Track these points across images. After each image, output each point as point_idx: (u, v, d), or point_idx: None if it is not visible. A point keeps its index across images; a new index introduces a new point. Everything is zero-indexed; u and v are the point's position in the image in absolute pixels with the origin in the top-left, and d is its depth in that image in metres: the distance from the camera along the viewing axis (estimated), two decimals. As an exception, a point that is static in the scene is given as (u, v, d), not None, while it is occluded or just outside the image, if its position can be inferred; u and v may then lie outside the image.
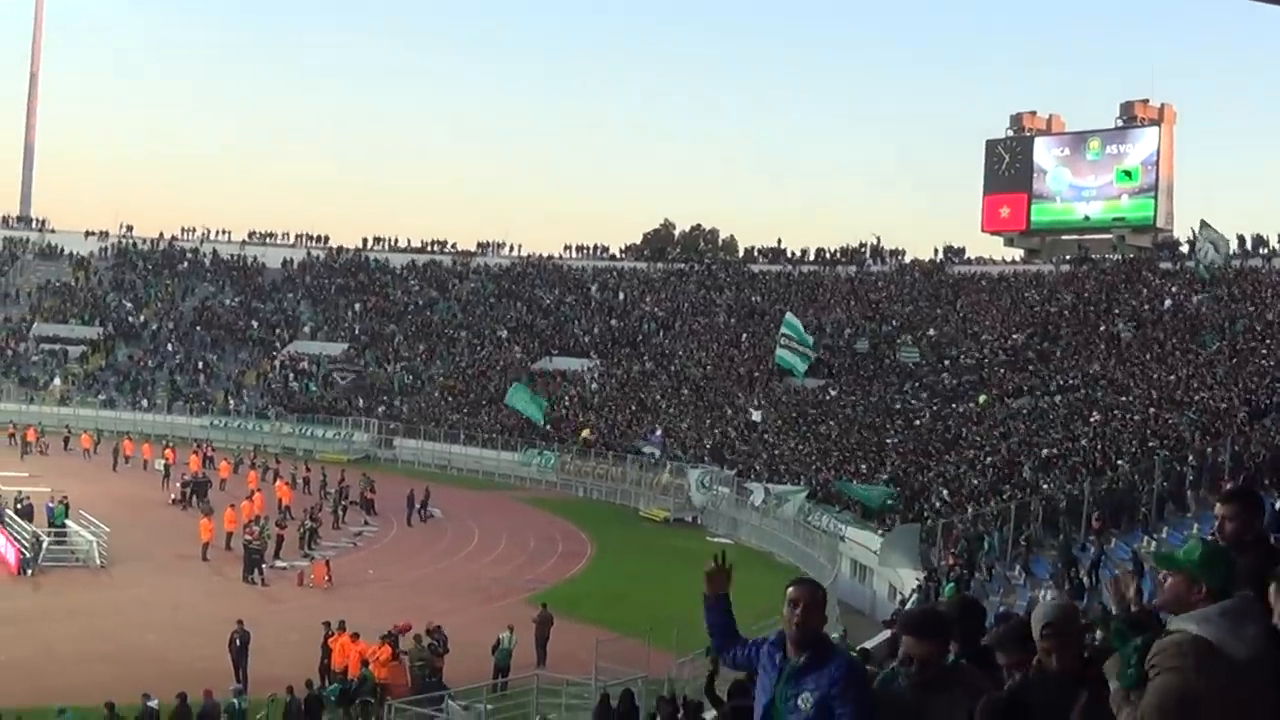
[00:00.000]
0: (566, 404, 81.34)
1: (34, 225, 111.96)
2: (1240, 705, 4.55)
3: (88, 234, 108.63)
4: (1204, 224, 68.63)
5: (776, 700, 6.41)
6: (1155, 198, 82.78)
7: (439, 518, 60.14)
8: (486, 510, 63.18)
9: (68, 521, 48.32)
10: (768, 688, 6.53)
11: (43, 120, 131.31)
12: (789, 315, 78.00)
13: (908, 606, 35.00)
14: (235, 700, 28.02)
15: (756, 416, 72.54)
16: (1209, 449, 40.80)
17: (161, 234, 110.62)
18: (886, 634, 31.41)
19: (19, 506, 49.71)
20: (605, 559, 53.23)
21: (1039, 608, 6.03)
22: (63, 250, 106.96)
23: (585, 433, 75.83)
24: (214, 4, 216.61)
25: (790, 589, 6.55)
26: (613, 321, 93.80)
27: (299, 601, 40.78)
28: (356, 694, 30.02)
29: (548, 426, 76.77)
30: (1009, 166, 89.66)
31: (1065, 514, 40.42)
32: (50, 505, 49.02)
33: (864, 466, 58.34)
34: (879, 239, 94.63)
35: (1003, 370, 67.84)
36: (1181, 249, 76.18)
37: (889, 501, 51.55)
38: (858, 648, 17.99)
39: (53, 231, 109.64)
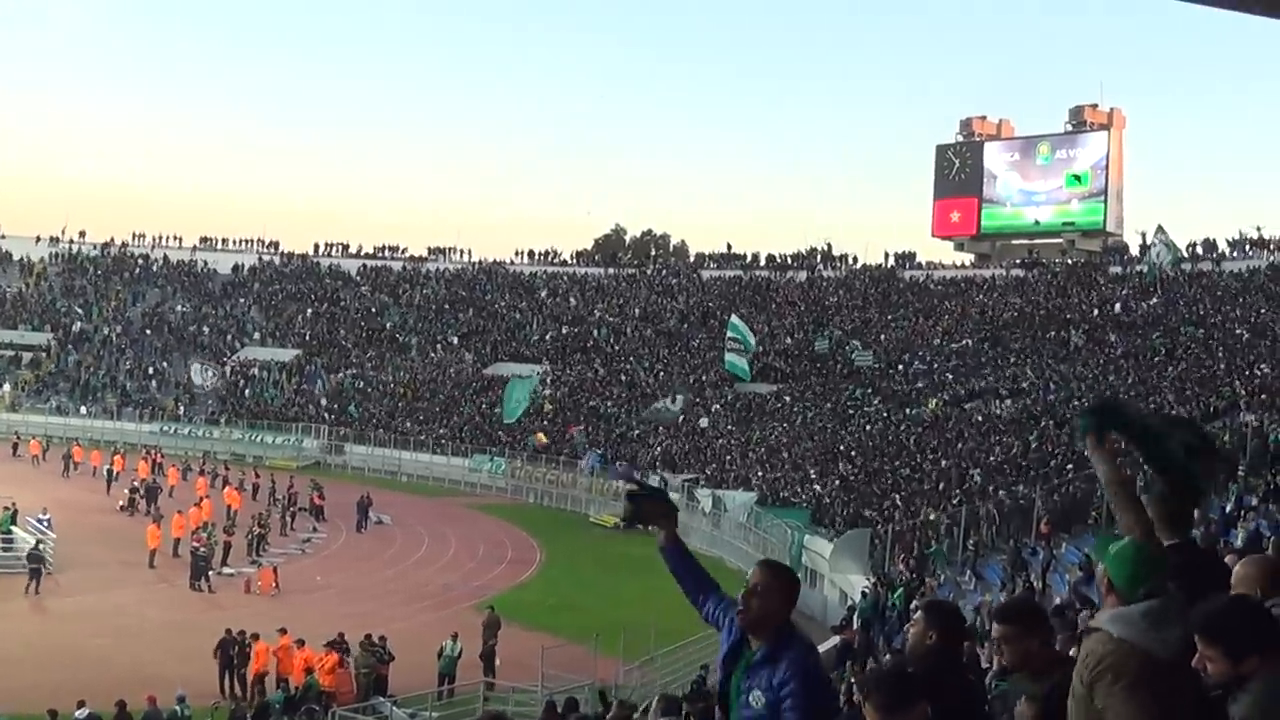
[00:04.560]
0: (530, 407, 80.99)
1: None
2: (1167, 705, 4.49)
3: (37, 239, 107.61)
4: (1160, 228, 69.18)
5: (731, 691, 6.04)
6: (1105, 202, 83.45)
7: (388, 524, 59.89)
8: (436, 517, 62.91)
9: (13, 528, 47.86)
10: (723, 661, 6.17)
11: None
12: (734, 318, 78.22)
13: (856, 613, 35.03)
14: (179, 708, 27.81)
15: (704, 422, 72.61)
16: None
17: (112, 239, 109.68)
18: (836, 640, 31.54)
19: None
20: (554, 565, 53.05)
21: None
22: (12, 255, 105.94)
23: (540, 436, 75.52)
24: (165, 8, 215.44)
25: (752, 570, 6.22)
26: (564, 328, 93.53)
27: (246, 609, 40.36)
28: (302, 701, 29.85)
29: (500, 431, 76.59)
30: (959, 171, 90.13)
31: (1015, 518, 40.57)
32: (43, 517, 48.98)
33: (814, 472, 58.39)
34: (829, 244, 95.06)
35: (952, 375, 68.06)
36: (1132, 253, 76.69)
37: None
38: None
39: (2, 237, 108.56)
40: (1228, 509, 29.52)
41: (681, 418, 73.47)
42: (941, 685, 5.99)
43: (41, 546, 44.04)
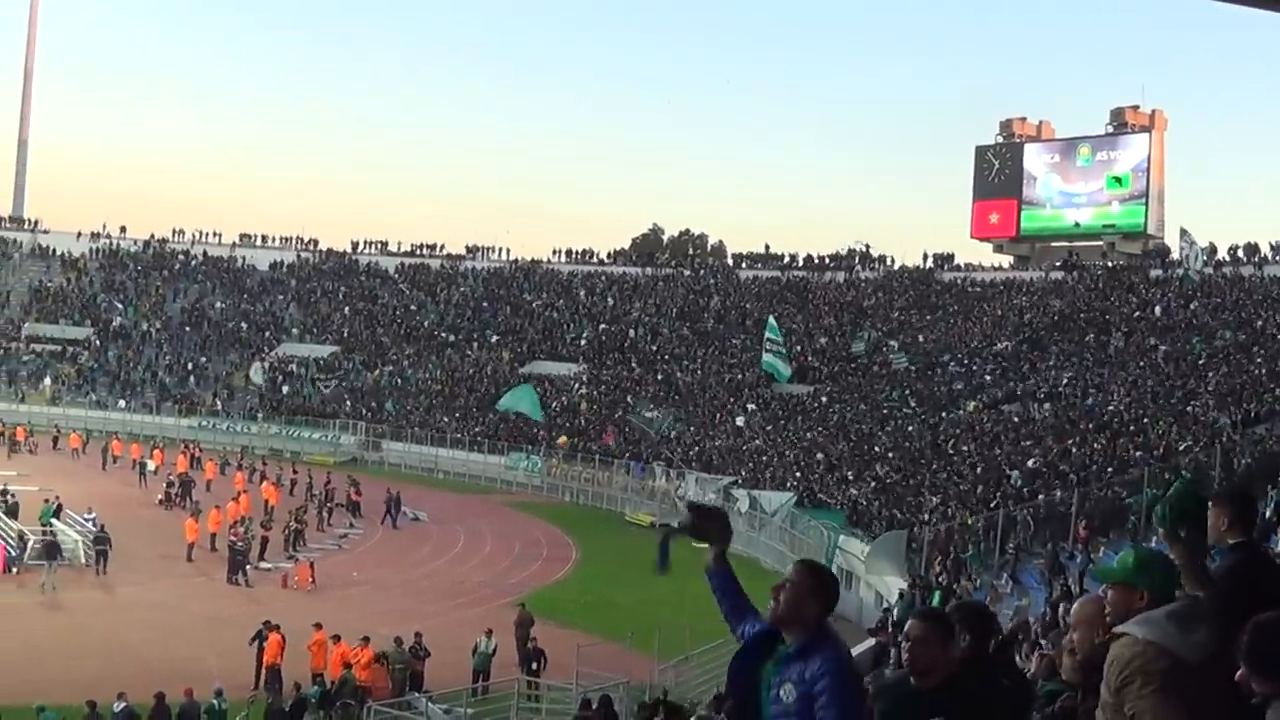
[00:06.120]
0: (555, 409, 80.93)
1: (26, 225, 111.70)
2: (1197, 708, 4.46)
3: (79, 234, 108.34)
4: (1183, 231, 68.94)
5: (762, 684, 5.98)
6: (1146, 204, 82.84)
7: (424, 521, 60.05)
8: (472, 514, 63.09)
9: (54, 521, 48.17)
10: (746, 649, 6.18)
11: (37, 119, 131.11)
12: (771, 320, 78.17)
13: (892, 615, 34.91)
14: (215, 701, 27.93)
15: (741, 421, 72.58)
16: (1201, 457, 40.74)
17: (152, 235, 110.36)
18: (871, 642, 31.46)
19: (7, 504, 50.15)
20: (590, 563, 53.10)
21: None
22: (54, 250, 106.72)
23: (563, 440, 75.72)
24: (206, 5, 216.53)
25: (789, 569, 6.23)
26: (601, 326, 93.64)
27: (283, 603, 40.51)
28: (337, 696, 29.93)
29: (538, 429, 76.80)
30: (999, 173, 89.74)
31: (1053, 522, 40.35)
32: (89, 516, 49.39)
33: (850, 473, 58.26)
34: (868, 245, 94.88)
35: (990, 378, 67.79)
36: (1172, 256, 76.22)
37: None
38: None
39: (45, 232, 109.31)
40: (1268, 514, 29.33)
41: (671, 433, 73.72)
42: (976, 689, 5.97)
43: (106, 530, 45.79)
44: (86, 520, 48.57)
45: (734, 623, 6.53)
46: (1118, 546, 35.66)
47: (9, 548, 44.63)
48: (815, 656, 5.78)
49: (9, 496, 51.23)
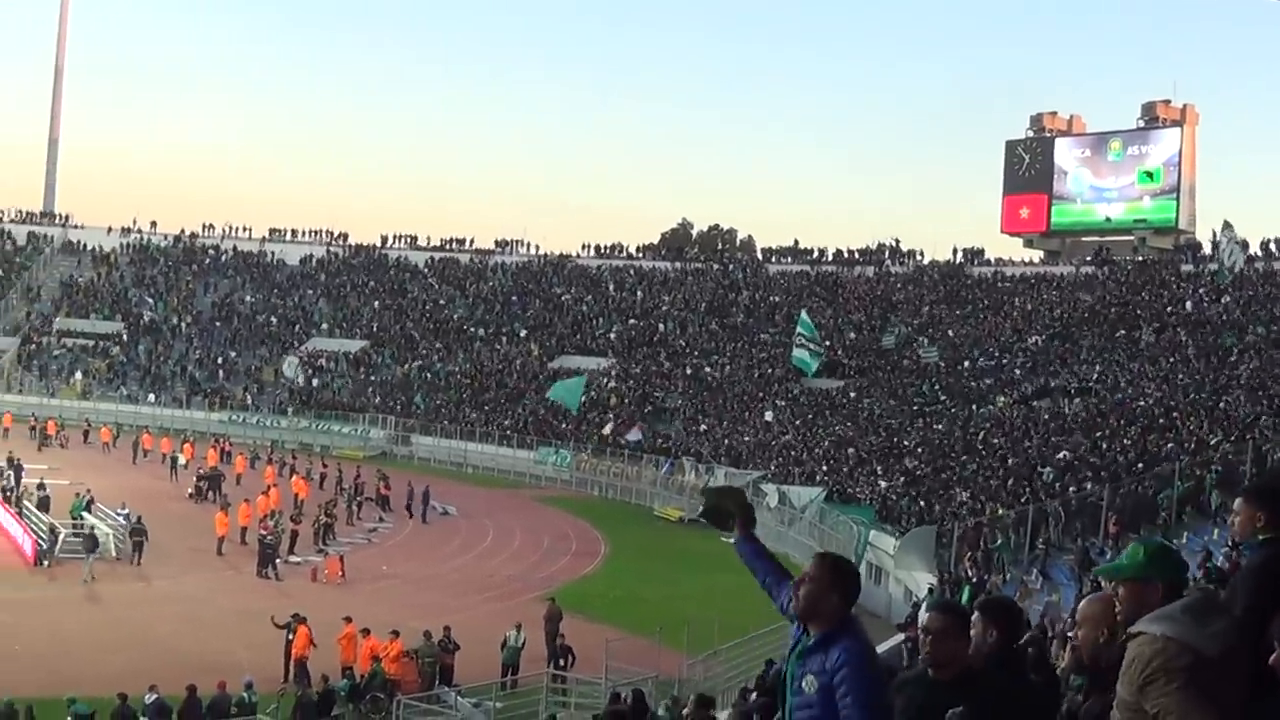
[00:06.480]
0: (585, 403, 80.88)
1: (57, 220, 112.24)
2: (1219, 702, 4.43)
3: (110, 229, 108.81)
4: (1227, 224, 68.35)
5: (785, 676, 6.03)
6: (1177, 199, 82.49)
7: (453, 515, 60.11)
8: (501, 508, 63.10)
9: (85, 514, 48.37)
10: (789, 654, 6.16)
11: (67, 115, 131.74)
12: (803, 314, 77.99)
13: (922, 609, 34.82)
14: (246, 694, 28.01)
15: (769, 416, 72.45)
16: (1230, 452, 40.49)
17: (183, 230, 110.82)
18: (900, 637, 31.36)
19: (38, 497, 50.41)
20: (619, 558, 53.05)
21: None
22: (85, 245, 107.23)
23: (607, 429, 75.81)
24: (235, 2, 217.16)
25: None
26: (630, 321, 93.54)
27: (313, 597, 40.57)
28: (366, 689, 29.99)
29: (566, 425, 76.89)
30: (1029, 167, 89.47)
31: (1084, 518, 40.16)
32: (121, 511, 49.29)
33: (879, 468, 58.11)
34: (897, 240, 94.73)
35: (1020, 372, 67.57)
36: (1204, 251, 75.77)
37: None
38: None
39: (76, 227, 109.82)
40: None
41: (701, 427, 74.54)
42: (1002, 684, 5.96)
43: (143, 522, 46.04)
44: (119, 515, 48.65)
45: (774, 592, 6.56)
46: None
47: (40, 541, 44.81)
48: (835, 647, 5.77)
49: (41, 490, 51.53)
